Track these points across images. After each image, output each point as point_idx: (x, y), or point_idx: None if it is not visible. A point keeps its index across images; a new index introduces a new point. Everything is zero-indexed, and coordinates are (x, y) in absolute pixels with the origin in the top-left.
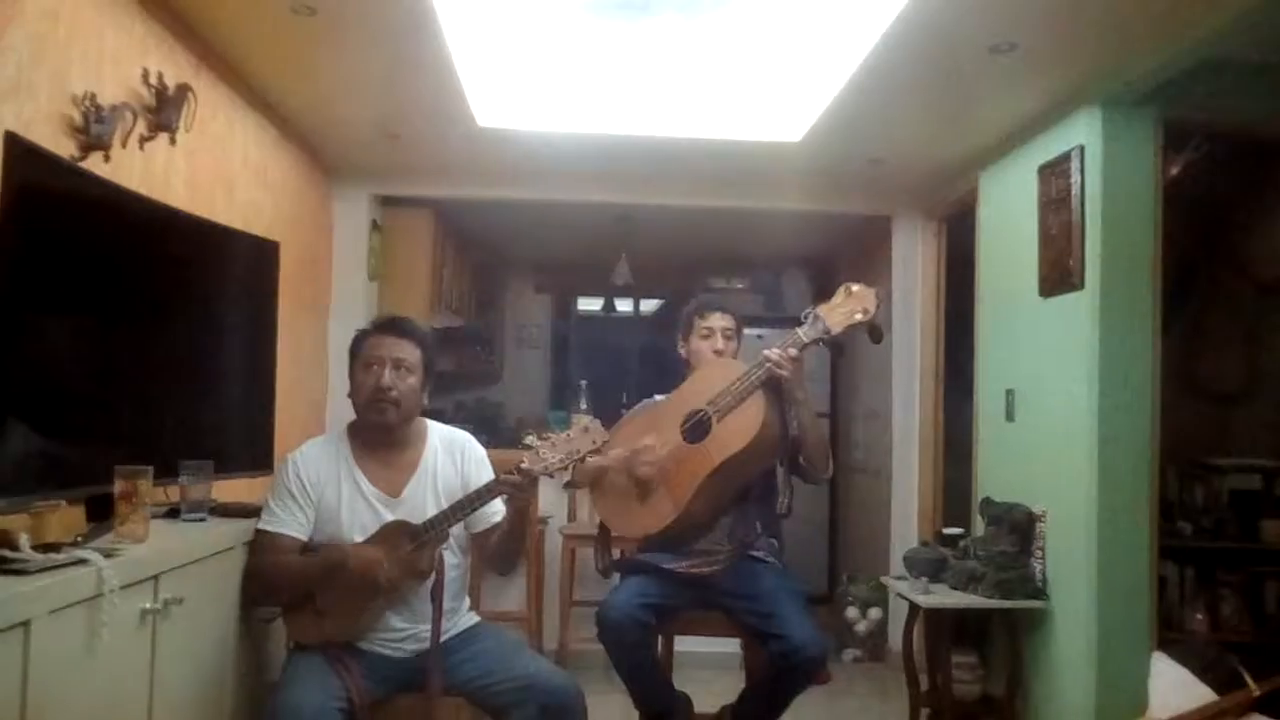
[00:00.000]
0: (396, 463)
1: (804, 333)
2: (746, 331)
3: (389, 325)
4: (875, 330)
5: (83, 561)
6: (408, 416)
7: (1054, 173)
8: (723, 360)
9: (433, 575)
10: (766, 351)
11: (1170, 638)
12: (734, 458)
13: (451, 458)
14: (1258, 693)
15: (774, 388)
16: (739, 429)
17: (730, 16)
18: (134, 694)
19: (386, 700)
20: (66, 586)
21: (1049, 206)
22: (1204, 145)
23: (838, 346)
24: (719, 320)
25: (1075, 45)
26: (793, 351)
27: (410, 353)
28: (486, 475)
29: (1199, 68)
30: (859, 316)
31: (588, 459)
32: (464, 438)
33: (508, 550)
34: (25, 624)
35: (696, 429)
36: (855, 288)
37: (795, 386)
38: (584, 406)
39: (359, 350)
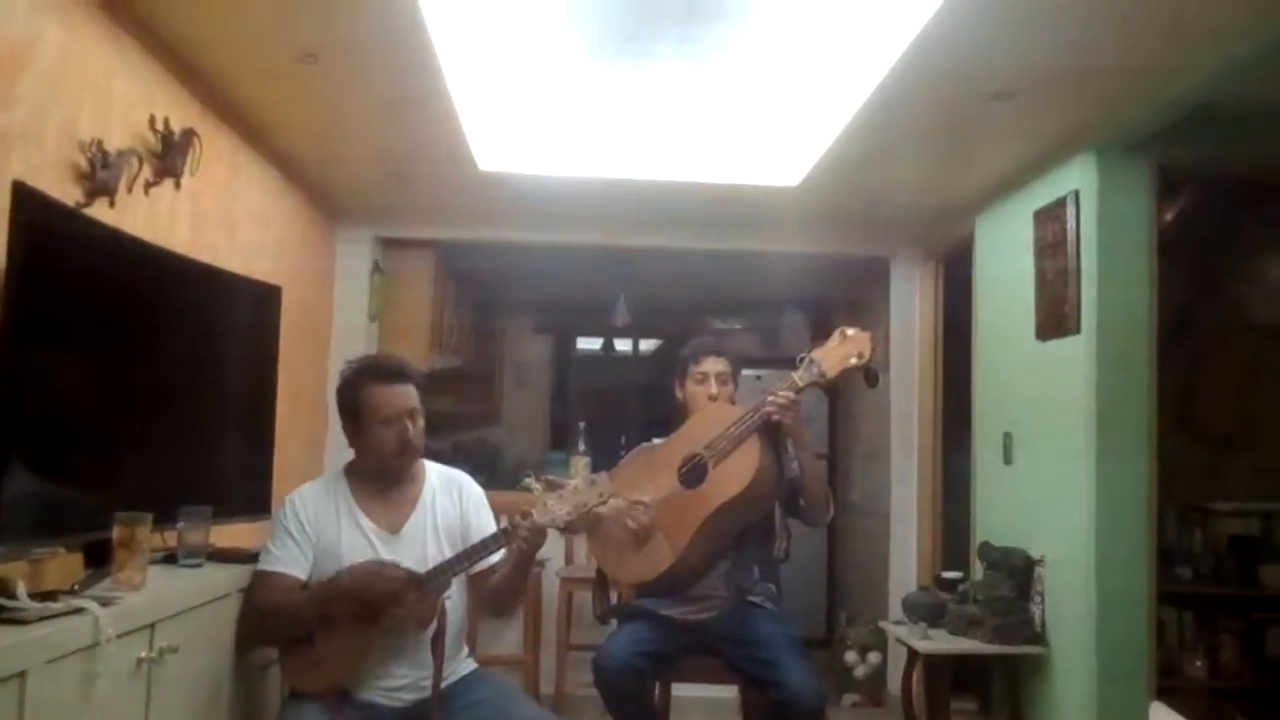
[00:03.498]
0: (397, 500)
1: (799, 377)
2: (745, 372)
3: (398, 374)
4: (871, 374)
5: (80, 610)
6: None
7: (1050, 217)
8: (719, 405)
9: (434, 623)
10: (768, 396)
11: (1170, 684)
12: (730, 502)
13: (450, 496)
14: None
15: (770, 432)
16: (735, 473)
17: (730, 62)
18: None
19: None
20: (64, 636)
21: (1045, 251)
22: (1198, 191)
23: (834, 390)
24: (712, 365)
25: (1072, 92)
26: (789, 395)
27: (417, 398)
28: (486, 515)
29: (1193, 114)
30: (854, 360)
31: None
32: (462, 477)
33: (507, 598)
34: (22, 674)
35: (693, 474)
36: (850, 331)
37: (794, 430)
38: (582, 448)
39: (373, 402)
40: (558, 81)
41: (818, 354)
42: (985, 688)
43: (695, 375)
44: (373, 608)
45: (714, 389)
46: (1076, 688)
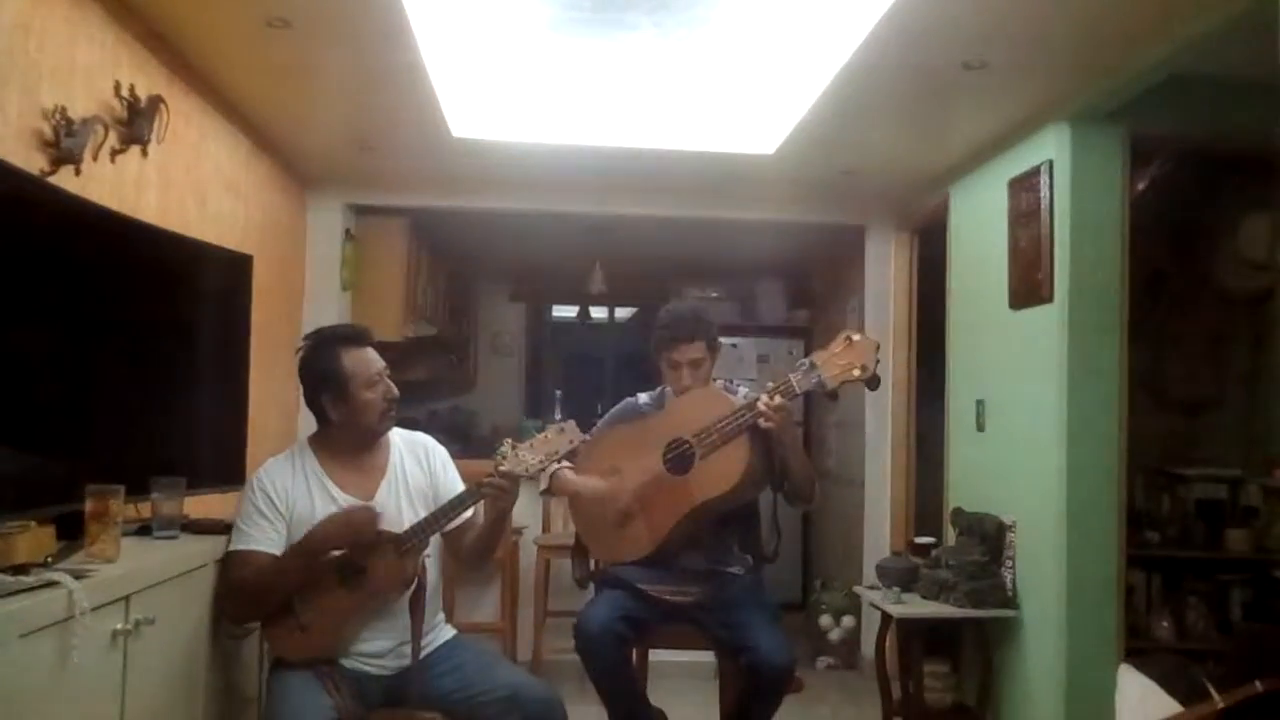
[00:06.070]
0: (367, 468)
1: (798, 383)
2: (722, 340)
3: (366, 337)
4: (873, 380)
5: (53, 584)
6: None
7: (1023, 187)
8: (711, 391)
9: (415, 583)
10: (760, 398)
11: (1137, 645)
12: (715, 500)
13: (417, 459)
14: (1221, 705)
15: (759, 430)
16: (722, 472)
17: (706, 31)
18: (105, 717)
19: (366, 718)
20: (37, 610)
21: (1018, 220)
22: (1169, 161)
23: (832, 396)
24: (686, 353)
25: (1045, 63)
26: (783, 403)
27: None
28: (453, 473)
29: (1165, 85)
30: (855, 373)
31: (564, 472)
32: (425, 439)
33: (485, 551)
34: None
35: (679, 461)
36: (856, 337)
37: (782, 432)
38: (558, 416)
39: (354, 365)
40: (531, 48)
41: (819, 358)
42: (957, 650)
43: (669, 360)
44: (358, 549)
45: (687, 380)
46: (1047, 650)
